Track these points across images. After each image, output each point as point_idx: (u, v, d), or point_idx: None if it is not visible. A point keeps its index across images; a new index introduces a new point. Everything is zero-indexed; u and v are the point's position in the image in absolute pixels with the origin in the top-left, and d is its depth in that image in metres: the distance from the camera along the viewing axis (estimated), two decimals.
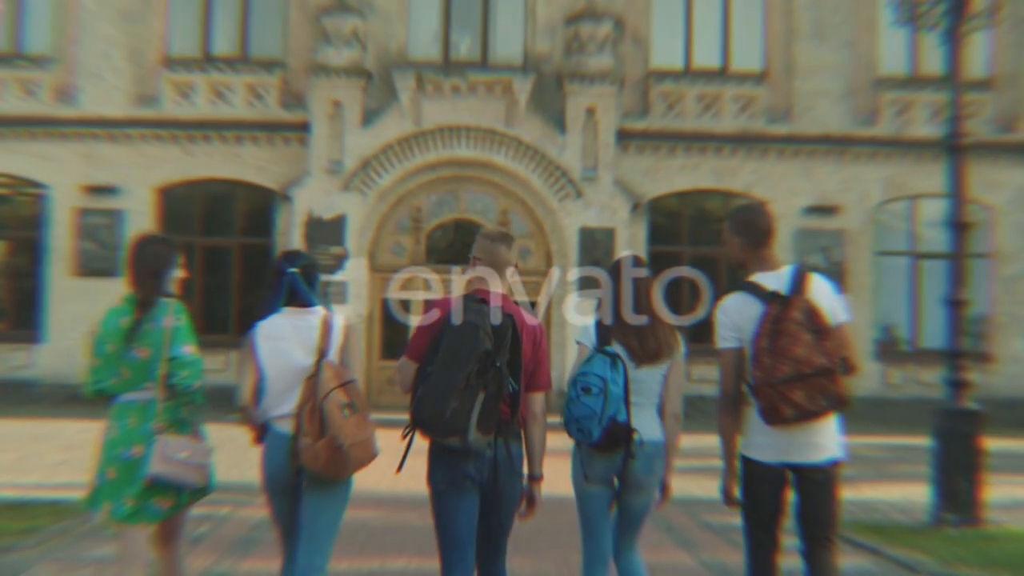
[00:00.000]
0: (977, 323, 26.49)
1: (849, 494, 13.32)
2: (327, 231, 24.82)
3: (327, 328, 5.81)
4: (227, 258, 25.41)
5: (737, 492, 5.83)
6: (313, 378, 5.61)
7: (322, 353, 5.73)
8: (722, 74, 26.32)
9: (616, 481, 6.04)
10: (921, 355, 26.24)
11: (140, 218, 25.70)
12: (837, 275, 25.69)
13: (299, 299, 5.86)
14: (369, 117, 25.17)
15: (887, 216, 26.50)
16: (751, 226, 5.86)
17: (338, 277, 24.46)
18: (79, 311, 25.45)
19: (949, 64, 11.80)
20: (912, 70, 26.65)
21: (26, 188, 26.21)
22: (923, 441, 21.23)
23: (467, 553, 5.70)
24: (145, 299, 5.93)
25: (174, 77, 26.00)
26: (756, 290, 5.72)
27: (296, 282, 5.84)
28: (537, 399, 5.80)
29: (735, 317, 5.73)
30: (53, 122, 25.76)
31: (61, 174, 25.78)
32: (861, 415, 25.28)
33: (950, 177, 11.60)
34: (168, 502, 5.93)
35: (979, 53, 26.83)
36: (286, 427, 5.72)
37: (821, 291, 5.75)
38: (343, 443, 5.50)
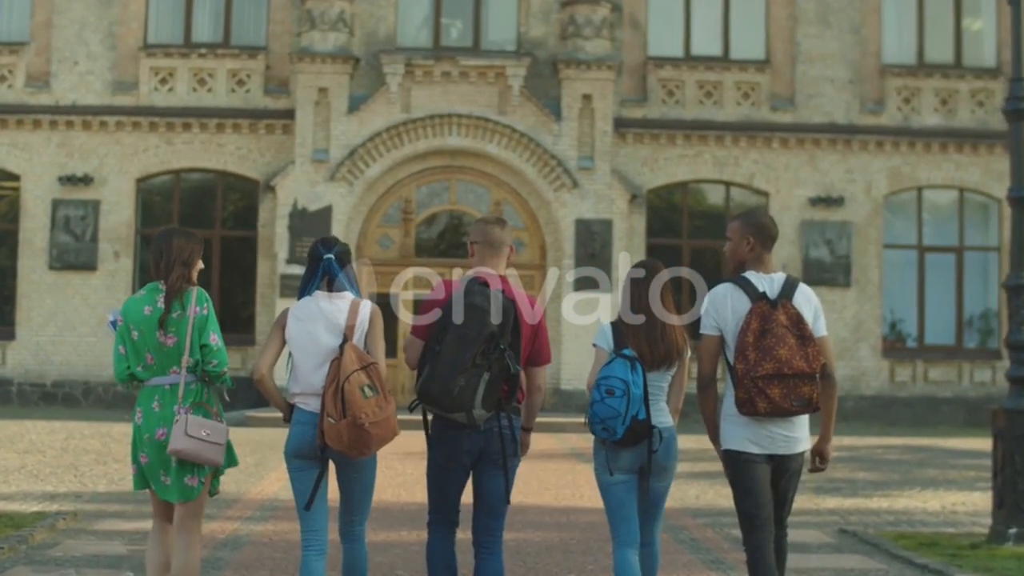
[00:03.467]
0: (983, 319, 25.67)
1: (884, 504, 12.55)
2: (312, 223, 23.82)
3: (355, 313, 6.08)
4: (208, 251, 24.23)
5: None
6: (338, 360, 5.89)
7: (347, 336, 6.00)
8: (723, 60, 25.36)
9: (638, 470, 6.37)
10: (927, 352, 25.36)
11: (117, 209, 24.70)
12: (843, 269, 24.82)
13: (332, 284, 6.14)
14: (356, 104, 24.18)
15: (893, 208, 25.59)
16: (765, 230, 6.25)
17: None
18: (53, 306, 24.45)
19: (1013, 17, 10.60)
20: (918, 57, 25.73)
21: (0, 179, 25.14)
22: (939, 441, 20.59)
23: (454, 512, 6.21)
24: (174, 288, 6.15)
25: (153, 63, 24.97)
26: (747, 286, 6.10)
27: (332, 267, 6.11)
28: (540, 372, 6.29)
29: (720, 307, 6.12)
30: (26, 110, 24.70)
31: (35, 164, 24.76)
32: (868, 414, 24.59)
33: (1012, 146, 10.55)
34: (195, 479, 6.16)
35: (987, 41, 26.00)
36: (311, 406, 6.03)
37: (807, 302, 6.14)
38: (363, 422, 5.75)
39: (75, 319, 24.42)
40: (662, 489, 6.45)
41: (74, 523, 9.97)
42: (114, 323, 6.29)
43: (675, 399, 6.47)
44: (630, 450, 6.24)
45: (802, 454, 6.15)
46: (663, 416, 6.37)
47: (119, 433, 18.43)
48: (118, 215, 24.70)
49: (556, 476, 13.79)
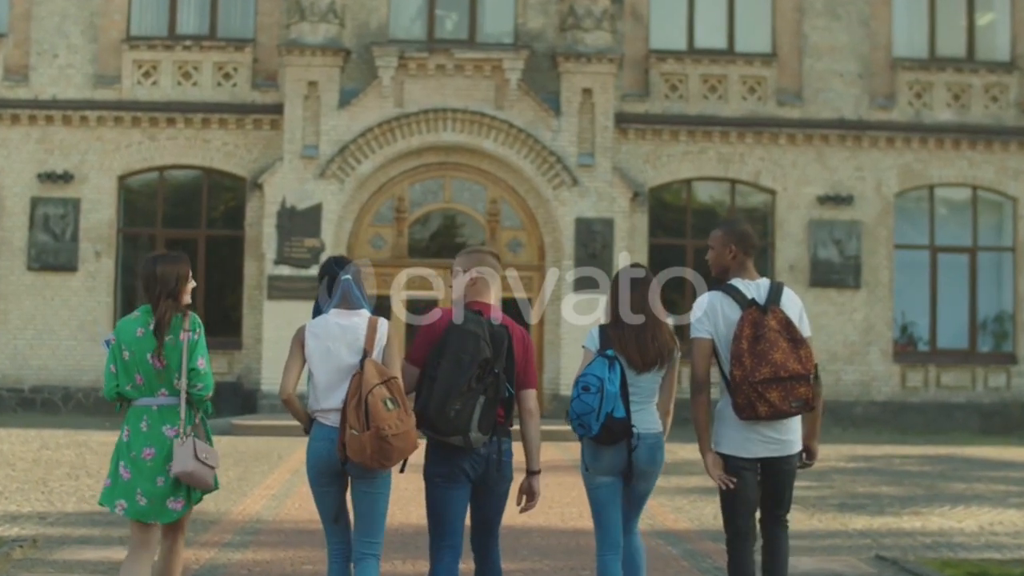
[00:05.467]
0: (998, 322, 24.81)
1: (916, 523, 11.61)
2: (301, 222, 22.90)
3: (373, 330, 6.23)
4: (192, 251, 23.31)
5: (716, 464, 6.31)
6: (359, 374, 6.01)
7: (367, 352, 6.15)
8: (728, 53, 24.44)
9: (621, 472, 6.47)
10: (940, 356, 24.44)
11: (99, 208, 23.73)
12: (852, 270, 23.94)
13: (349, 302, 6.27)
14: (347, 98, 23.23)
15: (904, 207, 24.67)
16: (747, 238, 6.45)
17: (313, 272, 22.49)
18: (32, 309, 23.50)
19: None
20: (930, 50, 24.84)
21: None
22: (956, 450, 19.69)
23: (456, 539, 6.27)
24: (164, 321, 6.25)
25: (136, 55, 23.96)
26: (736, 294, 6.27)
27: (350, 288, 6.25)
28: (530, 395, 6.38)
29: (710, 313, 6.30)
30: (4, 104, 23.67)
31: (13, 160, 23.74)
32: (879, 420, 23.68)
33: None
34: (180, 502, 6.26)
35: (1000, 34, 25.15)
36: (331, 421, 6.14)
37: (792, 305, 6.33)
38: (386, 433, 5.86)
39: (54, 322, 23.47)
40: (643, 492, 6.59)
41: (32, 552, 9.00)
42: (108, 343, 6.39)
43: (665, 401, 6.59)
44: (611, 449, 6.36)
45: (795, 456, 6.35)
46: (650, 421, 6.47)
47: (96, 443, 17.49)
48: (99, 214, 23.73)
49: (561, 491, 12.85)
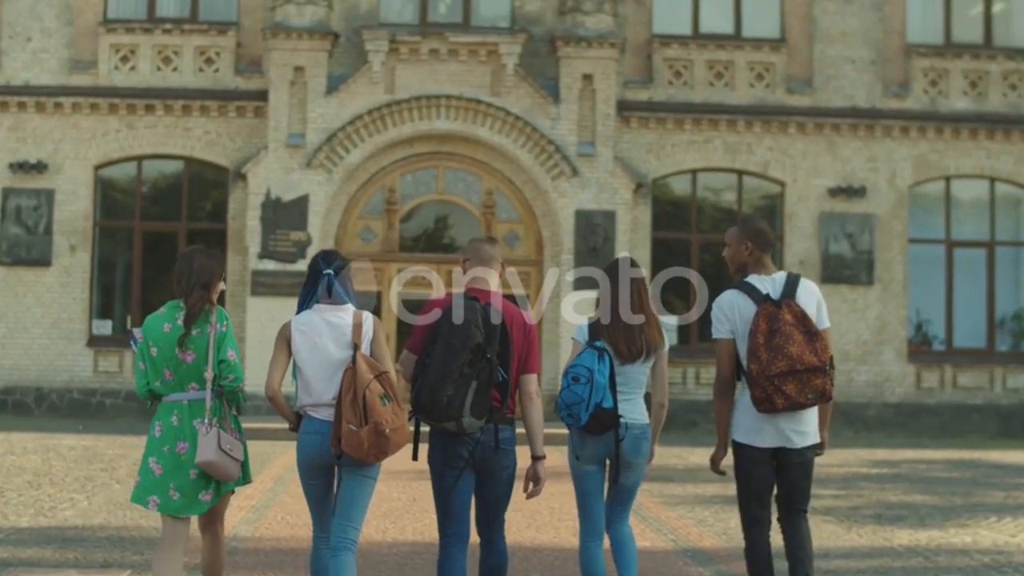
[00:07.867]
0: (1016, 320, 23.77)
1: (966, 538, 10.41)
2: (287, 214, 21.76)
3: (359, 324, 6.24)
4: (172, 245, 22.21)
5: (722, 464, 6.51)
6: (351, 369, 6.05)
7: (356, 347, 6.16)
8: (735, 39, 23.32)
9: (608, 461, 6.68)
10: (956, 355, 23.35)
11: (74, 200, 22.56)
12: (865, 265, 22.85)
13: (334, 297, 6.30)
14: (335, 84, 22.10)
15: (919, 199, 23.58)
16: (762, 234, 6.53)
17: (299, 267, 21.38)
18: (3, 305, 22.39)
19: None
20: (946, 36, 23.77)
21: None
22: (981, 455, 18.62)
23: (463, 524, 6.35)
24: (195, 311, 6.31)
25: (113, 39, 22.78)
26: (751, 291, 6.36)
27: (333, 283, 6.28)
28: (530, 379, 6.44)
29: (728, 312, 6.39)
30: None
31: None
32: (893, 423, 22.58)
33: None
34: (210, 494, 6.33)
35: (1018, 20, 24.14)
36: (321, 415, 6.18)
37: (809, 297, 6.39)
38: (384, 429, 5.94)
39: (27, 319, 22.29)
40: (630, 484, 6.75)
41: None
42: (135, 341, 6.45)
43: (659, 393, 6.79)
44: (596, 439, 6.55)
45: (810, 448, 6.38)
46: (637, 412, 6.67)
47: (66, 448, 16.36)
48: (74, 206, 22.55)
49: (569, 502, 11.62)
